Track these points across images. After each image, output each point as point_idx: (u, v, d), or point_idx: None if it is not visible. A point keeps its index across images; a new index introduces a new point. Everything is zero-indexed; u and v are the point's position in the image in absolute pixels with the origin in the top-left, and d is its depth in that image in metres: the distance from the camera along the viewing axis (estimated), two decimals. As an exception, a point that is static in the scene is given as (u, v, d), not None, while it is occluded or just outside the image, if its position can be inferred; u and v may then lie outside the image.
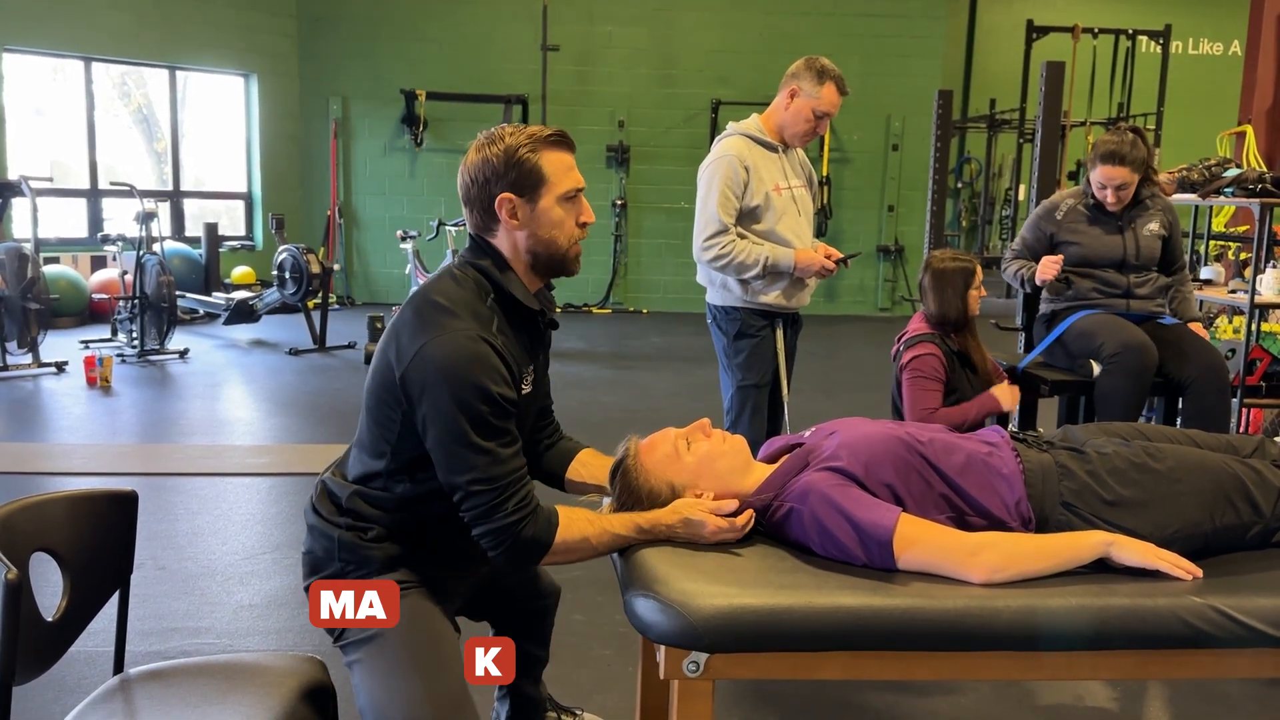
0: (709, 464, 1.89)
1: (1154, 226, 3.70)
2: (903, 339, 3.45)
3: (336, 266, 9.64)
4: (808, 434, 2.04)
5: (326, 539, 1.86)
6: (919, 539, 1.70)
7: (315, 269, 8.16)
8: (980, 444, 1.93)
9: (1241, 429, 4.56)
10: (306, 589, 1.89)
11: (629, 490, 1.90)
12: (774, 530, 1.86)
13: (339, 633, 1.85)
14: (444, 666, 1.77)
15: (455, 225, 8.81)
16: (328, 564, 1.87)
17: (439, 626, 1.84)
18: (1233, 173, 4.59)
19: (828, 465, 1.84)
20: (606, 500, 2.01)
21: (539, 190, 1.81)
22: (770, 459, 2.05)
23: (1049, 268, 3.61)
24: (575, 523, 1.81)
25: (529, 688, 2.28)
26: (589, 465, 2.10)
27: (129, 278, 7.93)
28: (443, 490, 1.81)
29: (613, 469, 1.94)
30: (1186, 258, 3.94)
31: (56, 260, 9.19)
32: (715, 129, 11.00)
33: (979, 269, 3.44)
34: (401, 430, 1.79)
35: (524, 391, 1.85)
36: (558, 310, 2.01)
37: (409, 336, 1.77)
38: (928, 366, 3.26)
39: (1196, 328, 3.78)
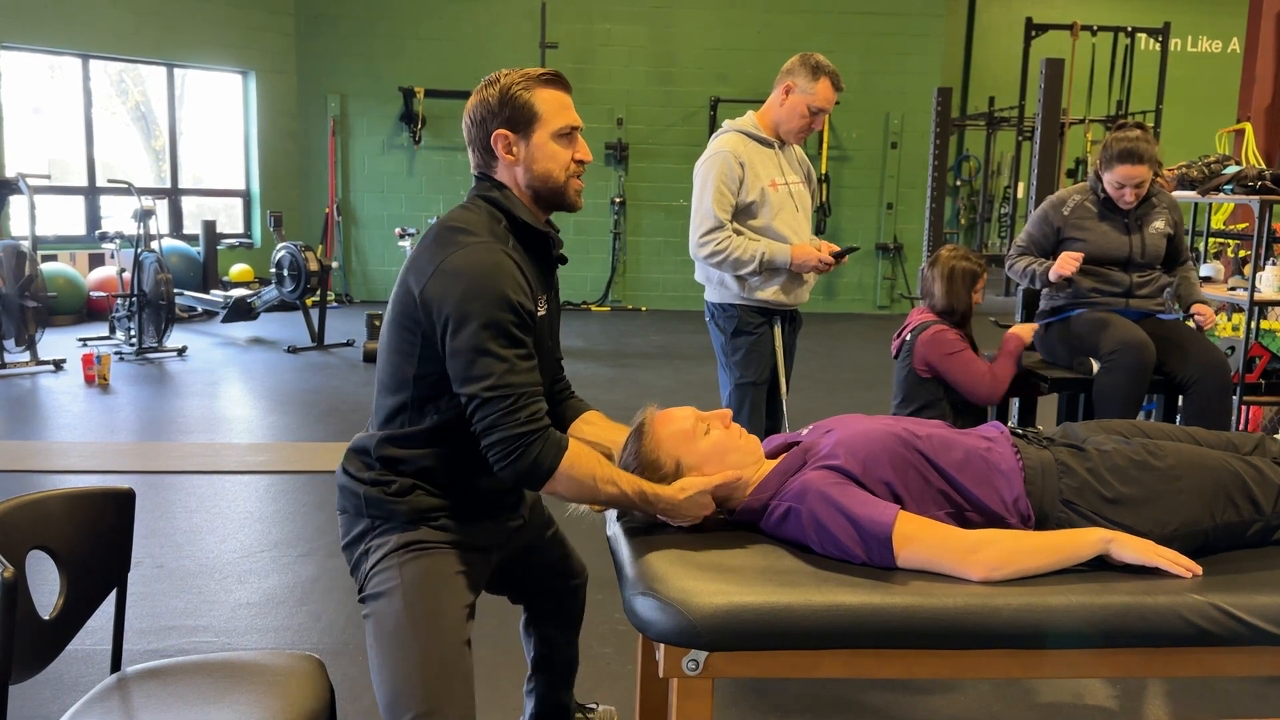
0: (720, 453, 1.89)
1: (1160, 224, 3.69)
2: (908, 330, 3.49)
3: (335, 264, 9.62)
4: (805, 432, 2.04)
5: (354, 496, 1.90)
6: (918, 536, 1.70)
7: (313, 267, 8.16)
8: (979, 440, 1.93)
9: (1240, 426, 4.55)
10: (344, 547, 1.94)
11: (636, 454, 1.90)
12: (772, 529, 1.86)
13: (362, 584, 1.88)
14: (441, 632, 1.78)
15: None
16: (358, 521, 1.91)
17: (447, 591, 1.84)
18: (1232, 170, 4.59)
19: (825, 463, 1.83)
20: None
21: (532, 126, 1.87)
22: (768, 457, 2.04)
23: (1068, 263, 3.56)
24: (586, 458, 1.80)
25: (563, 694, 2.27)
26: (594, 425, 2.11)
27: (127, 275, 7.92)
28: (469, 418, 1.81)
29: (631, 433, 1.94)
30: (1185, 254, 3.92)
31: (54, 258, 9.17)
32: (714, 126, 11.00)
33: (984, 274, 3.53)
34: (423, 353, 1.81)
35: (539, 312, 1.87)
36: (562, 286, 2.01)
37: (428, 257, 1.81)
38: (950, 340, 3.39)
39: (1204, 309, 3.74)
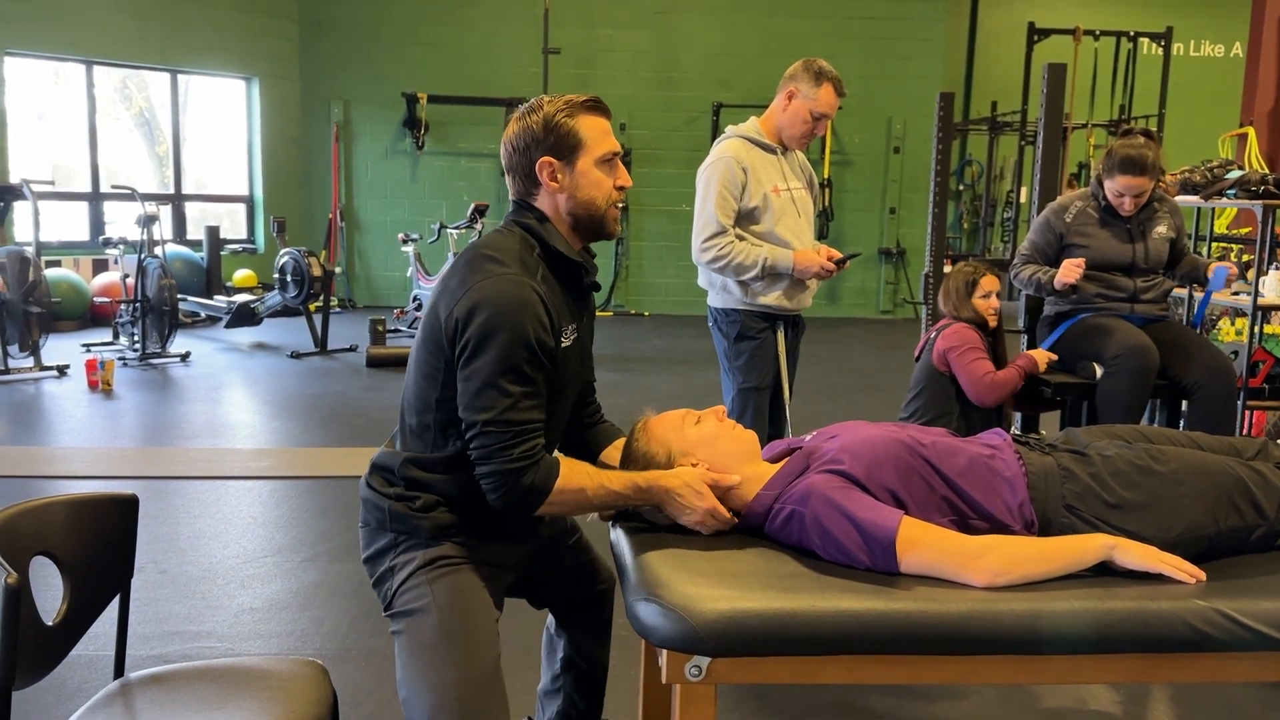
0: (710, 440, 1.92)
1: (1162, 230, 3.69)
2: (934, 329, 3.65)
3: (338, 269, 9.65)
4: (809, 438, 2.04)
5: (378, 510, 1.91)
6: (921, 541, 1.70)
7: (316, 272, 8.17)
8: (982, 447, 1.93)
9: (1245, 431, 4.55)
10: (365, 560, 1.95)
11: (629, 452, 1.96)
12: (776, 533, 1.86)
13: (389, 601, 1.89)
14: (476, 650, 1.80)
15: (456, 228, 8.82)
16: (381, 535, 1.91)
17: (479, 607, 1.86)
18: (1235, 174, 4.58)
19: (829, 468, 1.83)
20: None
21: (577, 153, 1.88)
22: (771, 462, 2.04)
23: (1071, 271, 3.57)
24: (575, 475, 1.84)
25: (588, 699, 2.24)
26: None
27: (130, 281, 7.93)
28: None
29: (627, 437, 1.99)
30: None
31: (58, 263, 9.20)
32: (716, 131, 11.01)
33: (984, 279, 3.62)
34: (445, 378, 1.83)
35: (564, 344, 1.88)
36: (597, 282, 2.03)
37: (458, 281, 1.82)
38: (968, 337, 3.52)
39: (1220, 263, 3.72)
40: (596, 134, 1.90)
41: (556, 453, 1.90)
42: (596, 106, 1.92)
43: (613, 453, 2.12)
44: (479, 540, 1.92)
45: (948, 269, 3.70)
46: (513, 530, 1.97)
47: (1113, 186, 3.57)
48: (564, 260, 1.90)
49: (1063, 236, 3.72)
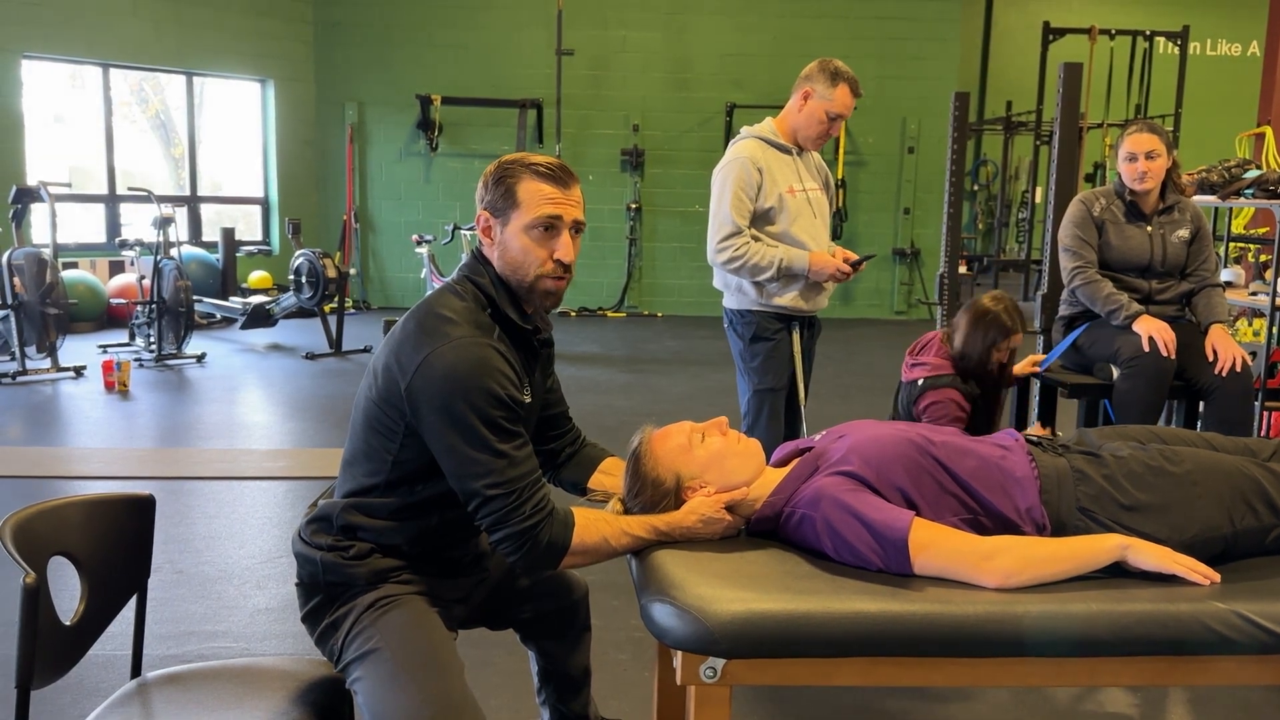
0: (718, 460, 1.88)
1: (1183, 233, 3.66)
2: (923, 369, 3.35)
3: (353, 271, 9.66)
4: (817, 438, 2.03)
5: (310, 563, 1.86)
6: (933, 543, 1.69)
7: (331, 273, 8.19)
8: (994, 448, 1.92)
9: (1262, 432, 4.52)
10: (303, 619, 1.90)
11: (636, 476, 1.89)
12: (787, 537, 1.85)
13: (338, 656, 1.84)
14: (441, 671, 1.74)
15: (469, 229, 8.82)
16: (314, 591, 1.86)
17: (432, 632, 1.81)
18: (1252, 174, 4.56)
19: (838, 469, 1.82)
20: (613, 499, 1.99)
21: (509, 214, 1.82)
22: (780, 464, 2.03)
23: (1163, 332, 3.44)
24: (593, 524, 1.80)
25: (574, 704, 2.22)
26: (612, 475, 2.08)
27: (146, 282, 7.97)
28: (440, 500, 1.81)
29: (629, 457, 1.93)
30: (1211, 263, 3.75)
31: (75, 265, 9.25)
32: (730, 132, 11.00)
33: (1016, 336, 3.32)
34: (404, 440, 1.79)
35: (526, 400, 1.83)
36: (571, 313, 2.01)
37: (412, 347, 1.76)
38: (948, 413, 3.22)
39: (1220, 330, 3.64)
40: (534, 199, 1.79)
41: (571, 506, 1.85)
42: (549, 173, 1.80)
43: (602, 478, 2.08)
44: (422, 575, 1.87)
45: (963, 270, 3.60)
46: (456, 568, 1.94)
47: (1124, 152, 3.59)
48: (513, 324, 1.84)
49: (1101, 229, 3.67)
